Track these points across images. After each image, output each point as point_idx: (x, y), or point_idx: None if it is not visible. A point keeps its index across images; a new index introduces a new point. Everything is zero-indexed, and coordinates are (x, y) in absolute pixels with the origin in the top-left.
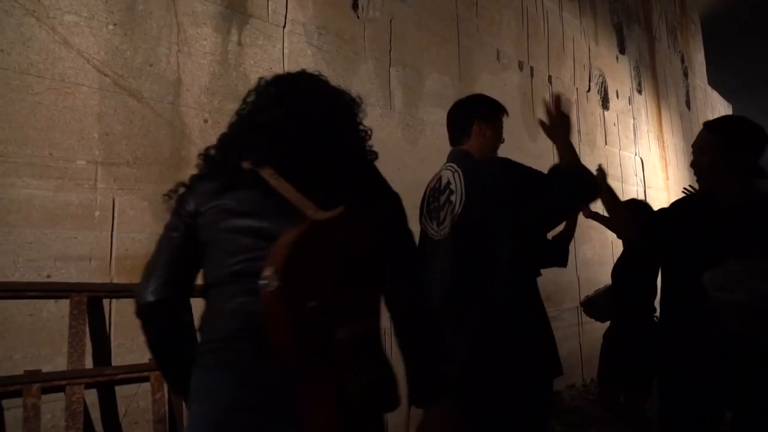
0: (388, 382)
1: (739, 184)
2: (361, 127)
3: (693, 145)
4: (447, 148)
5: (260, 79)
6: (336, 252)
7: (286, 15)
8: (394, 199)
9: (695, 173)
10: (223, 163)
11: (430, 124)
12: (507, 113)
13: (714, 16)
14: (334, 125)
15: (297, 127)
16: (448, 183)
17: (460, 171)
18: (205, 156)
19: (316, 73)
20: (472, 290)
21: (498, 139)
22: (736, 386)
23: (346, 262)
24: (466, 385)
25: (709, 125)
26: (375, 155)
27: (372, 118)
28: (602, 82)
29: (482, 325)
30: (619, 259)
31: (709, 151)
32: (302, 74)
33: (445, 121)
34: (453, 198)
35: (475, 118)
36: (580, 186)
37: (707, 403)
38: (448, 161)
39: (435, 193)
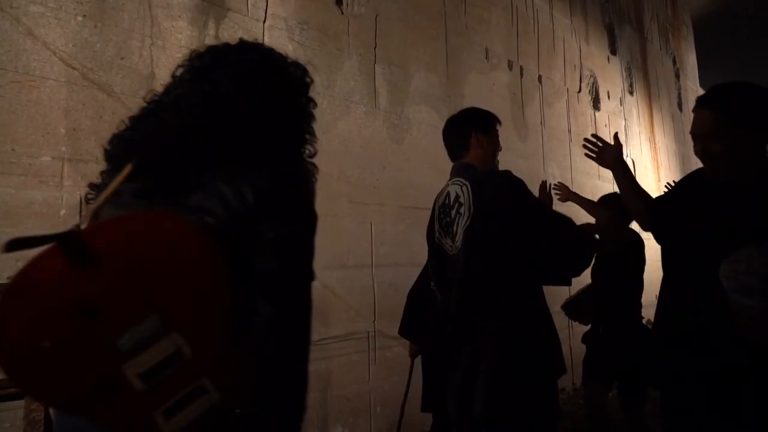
0: (227, 411)
1: (758, 163)
2: (301, 111)
3: (693, 131)
4: (433, 147)
5: (192, 51)
6: (112, 270)
7: (266, 9)
8: (285, 203)
9: (705, 163)
10: (113, 153)
11: (416, 123)
12: (500, 122)
13: (706, 18)
14: (247, 108)
15: (192, 110)
16: (458, 197)
17: (467, 183)
18: (107, 147)
19: (256, 42)
20: (477, 299)
21: (496, 147)
22: (751, 400)
23: (137, 279)
24: (469, 388)
25: (709, 102)
26: (310, 149)
27: (356, 116)
28: (593, 83)
29: (485, 326)
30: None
31: (721, 134)
32: (238, 45)
33: (432, 121)
34: (462, 210)
35: (471, 131)
36: (571, 246)
37: (719, 419)
38: (453, 176)
39: (445, 209)
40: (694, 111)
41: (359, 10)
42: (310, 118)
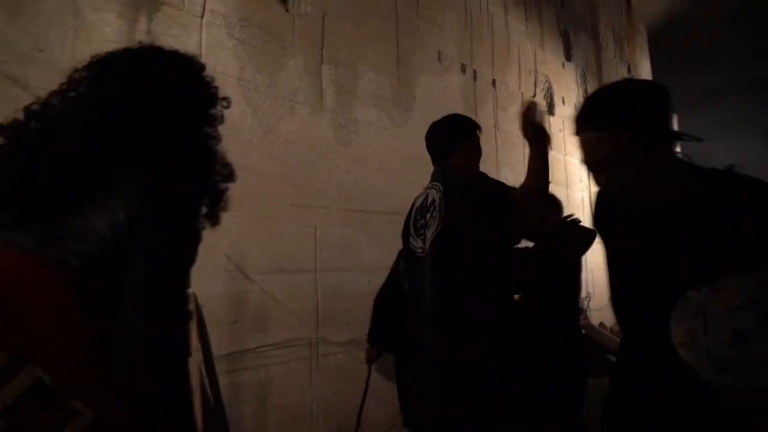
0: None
1: (675, 170)
2: (198, 124)
3: (586, 160)
4: (382, 149)
5: (92, 56)
6: None
7: (204, 4)
8: (157, 223)
9: (593, 177)
10: None
11: (364, 125)
12: (480, 129)
13: (661, 30)
14: (130, 120)
15: (73, 122)
16: (433, 201)
17: (441, 189)
18: None
19: (155, 46)
20: (451, 310)
21: (479, 152)
22: None
23: None
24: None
25: (593, 121)
26: (220, 163)
27: (301, 116)
28: (548, 88)
29: (458, 352)
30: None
31: (605, 138)
32: (134, 50)
33: (381, 123)
34: (435, 214)
35: (457, 137)
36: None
37: None
38: (433, 180)
39: (422, 211)
40: (576, 134)
41: (305, 9)
42: (209, 130)
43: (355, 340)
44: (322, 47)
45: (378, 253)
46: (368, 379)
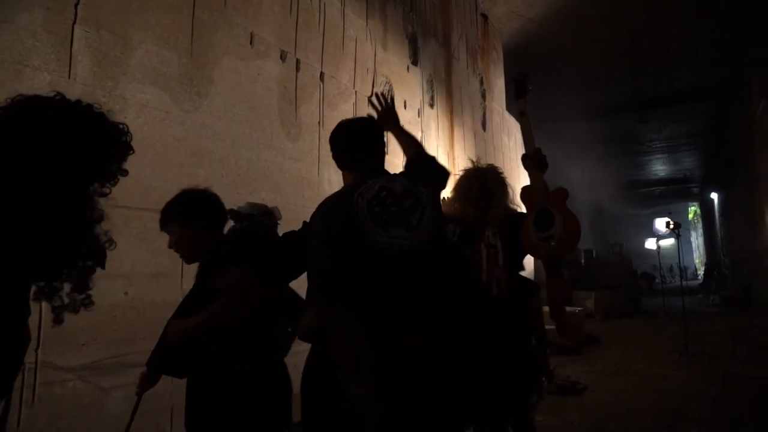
0: None
1: None
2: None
3: None
4: (160, 136)
5: None
6: None
7: None
8: None
9: None
10: None
11: (136, 105)
12: None
13: (515, 50)
14: None
15: None
16: (409, 190)
17: (413, 181)
18: None
19: None
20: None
21: None
22: None
23: None
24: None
25: None
26: None
27: (35, 85)
28: (389, 90)
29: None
30: None
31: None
32: None
33: (161, 104)
34: (423, 199)
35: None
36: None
37: None
38: (379, 176)
39: (385, 201)
40: None
41: None
42: None
43: (96, 365)
44: (77, 4)
45: (141, 258)
46: (135, 411)
